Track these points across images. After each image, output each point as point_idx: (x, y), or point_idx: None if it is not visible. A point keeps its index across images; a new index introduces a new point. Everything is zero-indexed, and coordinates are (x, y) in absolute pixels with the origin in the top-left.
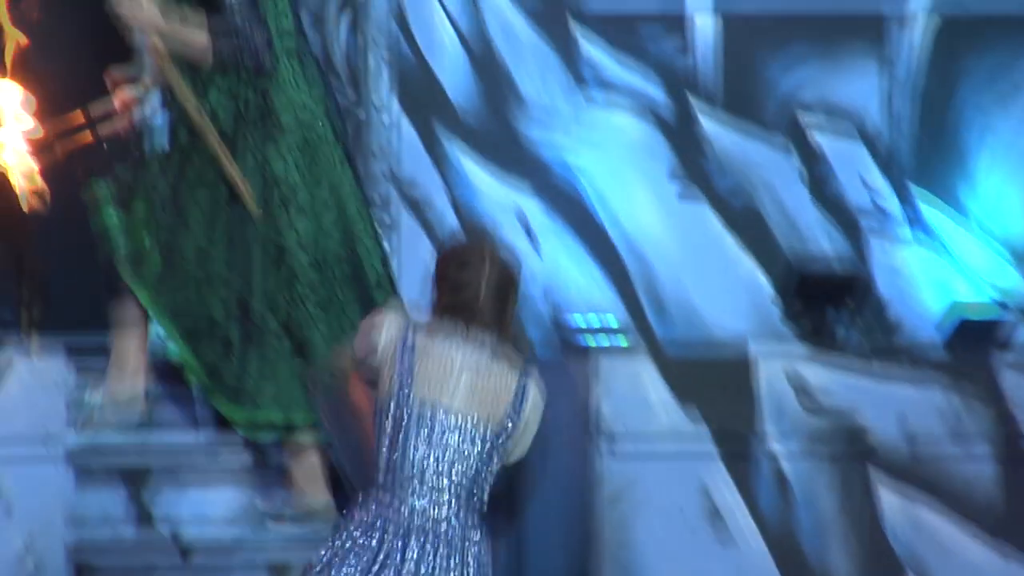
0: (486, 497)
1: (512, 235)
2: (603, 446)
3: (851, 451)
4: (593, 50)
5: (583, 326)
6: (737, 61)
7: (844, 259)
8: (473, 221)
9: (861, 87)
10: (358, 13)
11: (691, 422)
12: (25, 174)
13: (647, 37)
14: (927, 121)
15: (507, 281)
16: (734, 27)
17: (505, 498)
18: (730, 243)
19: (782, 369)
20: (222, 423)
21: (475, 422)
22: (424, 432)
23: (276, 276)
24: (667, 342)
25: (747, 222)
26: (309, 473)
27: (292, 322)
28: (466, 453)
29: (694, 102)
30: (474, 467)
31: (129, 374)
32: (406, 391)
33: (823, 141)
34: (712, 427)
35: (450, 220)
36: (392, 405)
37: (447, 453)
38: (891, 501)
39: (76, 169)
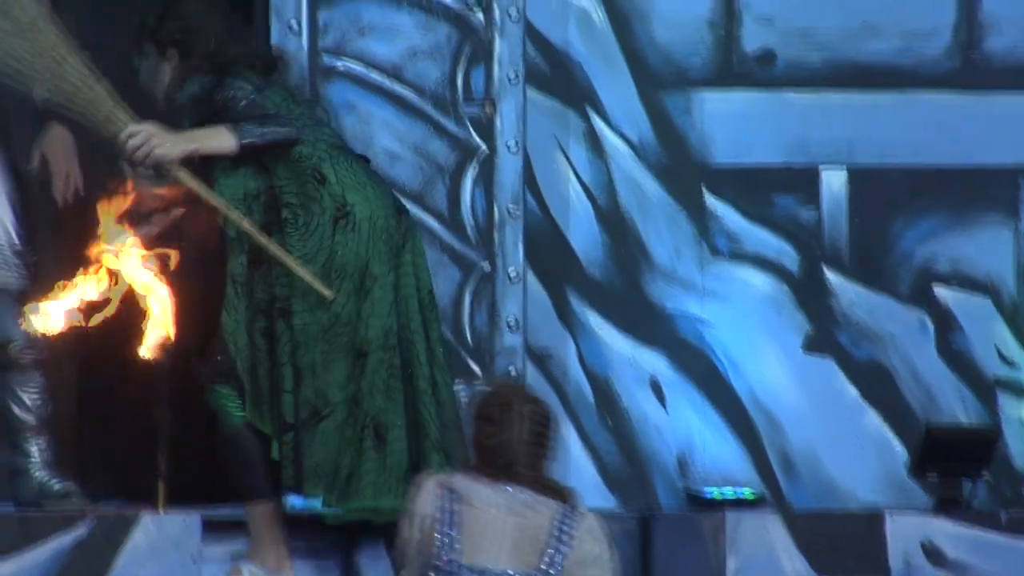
0: None
1: (639, 391)
2: None
3: None
4: (719, 203)
5: (711, 482)
6: (865, 215)
7: (973, 414)
8: (501, 376)
9: (992, 243)
10: (485, 167)
11: None
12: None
13: (774, 190)
14: None
15: (541, 432)
16: (863, 181)
17: None
18: (857, 398)
19: (911, 525)
20: None
21: (522, 574)
22: None
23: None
24: (795, 497)
25: (874, 377)
26: None
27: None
28: None
29: (821, 256)
30: None
31: (270, 546)
32: (453, 559)
33: (951, 297)
34: None
35: (575, 374)
36: (441, 572)
37: None
38: None
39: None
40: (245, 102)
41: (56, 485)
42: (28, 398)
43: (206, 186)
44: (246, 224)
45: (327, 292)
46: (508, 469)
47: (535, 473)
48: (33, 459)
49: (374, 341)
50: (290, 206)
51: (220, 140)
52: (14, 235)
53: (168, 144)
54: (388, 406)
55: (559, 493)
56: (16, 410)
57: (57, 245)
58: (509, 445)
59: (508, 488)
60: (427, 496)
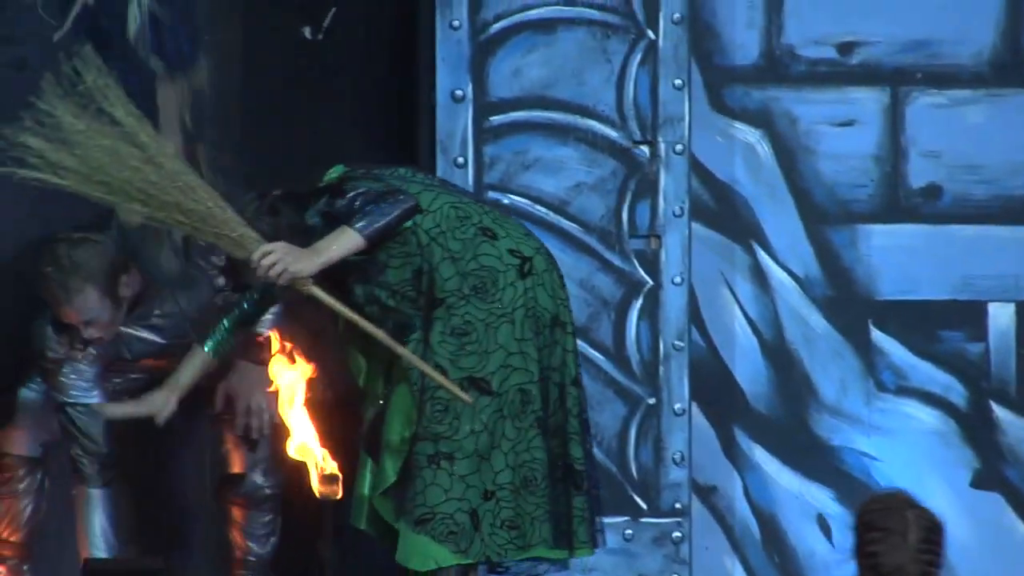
0: None
1: (806, 526)
2: None
3: None
4: (885, 338)
5: None
6: None
7: None
8: (885, 488)
9: None
10: (650, 302)
11: None
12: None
13: (941, 325)
14: None
15: (930, 539)
16: None
17: None
18: None
19: None
20: None
21: None
22: None
23: None
24: None
25: None
26: None
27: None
28: None
29: (989, 391)
30: None
31: None
32: None
33: None
34: None
35: (741, 509)
36: None
37: None
38: None
39: None
40: (360, 199)
41: None
42: (252, 533)
43: (339, 301)
44: (381, 334)
45: (466, 398)
46: None
47: None
48: None
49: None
50: (474, 273)
51: (346, 242)
52: None
53: (303, 261)
54: (578, 450)
55: None
56: (237, 544)
57: None
58: (897, 553)
59: None
60: None
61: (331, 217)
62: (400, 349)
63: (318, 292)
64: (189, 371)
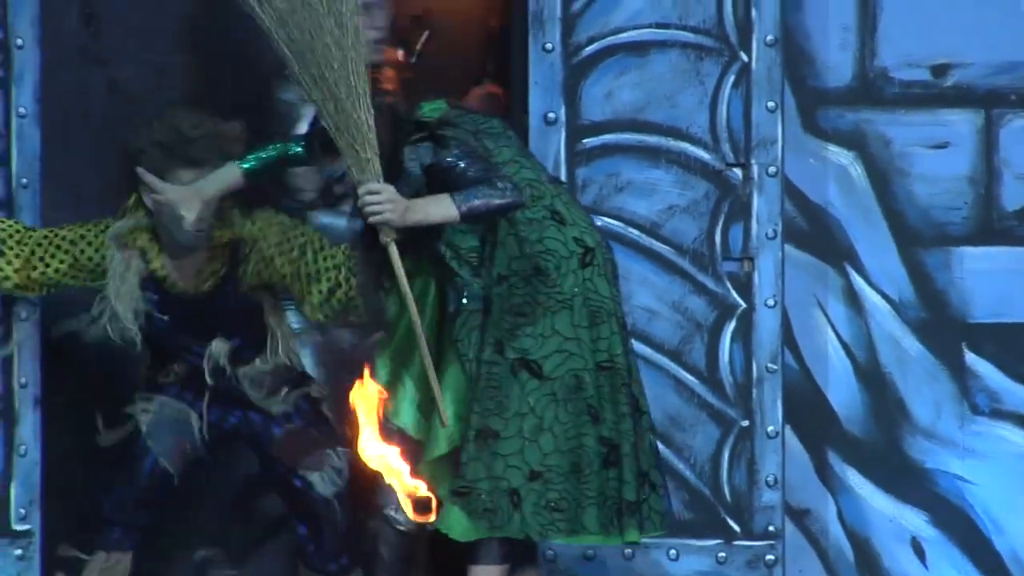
0: None
1: (900, 549)
2: None
3: None
4: (980, 360)
5: None
6: None
7: None
8: None
9: None
10: (743, 324)
11: None
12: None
13: None
14: None
15: None
16: None
17: None
18: None
19: None
20: None
21: None
22: None
23: None
24: None
25: None
26: None
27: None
28: None
29: None
30: None
31: None
32: None
33: None
34: None
35: (835, 532)
36: None
37: None
38: None
39: None
40: (467, 166)
41: None
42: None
43: (403, 270)
44: (418, 326)
45: (445, 419)
46: None
47: None
48: None
49: (634, 377)
50: (538, 255)
51: (443, 211)
52: None
53: (397, 215)
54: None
55: None
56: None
57: None
58: None
59: None
60: None
61: (430, 170)
62: (423, 341)
63: (393, 251)
64: (216, 184)
